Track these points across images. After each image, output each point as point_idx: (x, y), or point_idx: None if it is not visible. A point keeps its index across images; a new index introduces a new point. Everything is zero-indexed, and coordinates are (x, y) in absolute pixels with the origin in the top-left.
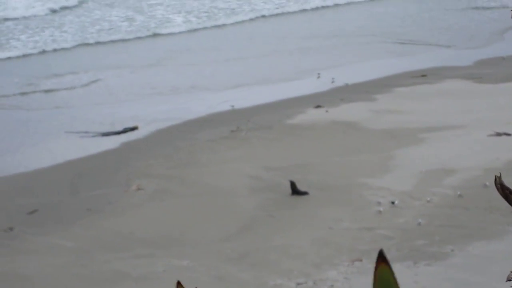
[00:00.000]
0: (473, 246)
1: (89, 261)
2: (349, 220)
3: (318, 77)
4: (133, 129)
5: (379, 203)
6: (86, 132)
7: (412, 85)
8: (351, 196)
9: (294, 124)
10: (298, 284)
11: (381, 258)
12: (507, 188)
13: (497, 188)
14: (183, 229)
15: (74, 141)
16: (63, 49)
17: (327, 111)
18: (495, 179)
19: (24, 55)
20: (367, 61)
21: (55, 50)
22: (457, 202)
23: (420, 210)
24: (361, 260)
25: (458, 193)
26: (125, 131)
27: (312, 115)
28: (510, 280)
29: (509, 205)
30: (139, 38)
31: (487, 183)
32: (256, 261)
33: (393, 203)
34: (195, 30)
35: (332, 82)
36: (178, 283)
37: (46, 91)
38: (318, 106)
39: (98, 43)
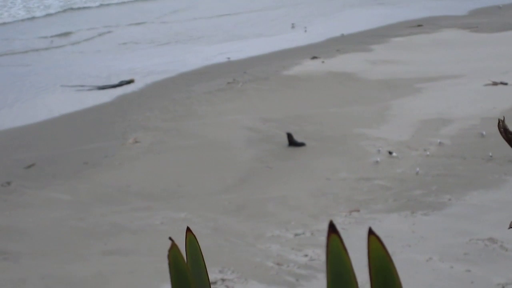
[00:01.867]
0: (470, 195)
1: (86, 214)
2: (346, 171)
3: (305, 31)
4: (129, 82)
5: (376, 154)
6: (82, 86)
7: (408, 35)
8: (348, 146)
9: (290, 75)
10: (295, 235)
11: (332, 229)
12: (511, 132)
13: (500, 132)
14: (180, 181)
15: (70, 95)
16: (48, 14)
17: (323, 62)
18: (499, 123)
19: (15, 21)
20: (364, 10)
21: (45, 15)
22: (454, 152)
23: (417, 160)
24: (358, 211)
25: (455, 142)
26: (121, 84)
27: (308, 66)
28: (511, 228)
29: (506, 154)
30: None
31: (484, 132)
32: (253, 212)
33: (390, 153)
34: None
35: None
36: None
37: (37, 50)
38: (315, 57)
39: (84, 8)
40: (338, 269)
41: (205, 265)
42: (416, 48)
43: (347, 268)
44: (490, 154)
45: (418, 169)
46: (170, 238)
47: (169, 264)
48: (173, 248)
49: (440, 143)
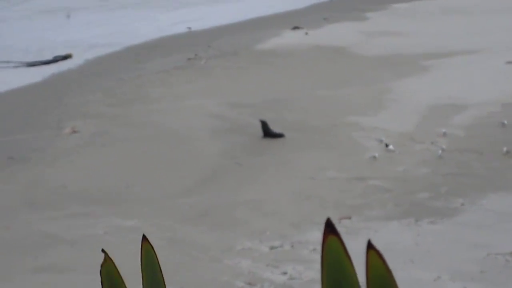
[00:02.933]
0: (488, 199)
1: (11, 222)
2: (335, 169)
3: None
4: (66, 57)
5: (372, 147)
6: (7, 62)
7: (413, 0)
8: (338, 138)
9: (265, 49)
10: (271, 248)
11: (329, 228)
12: None
13: None
14: (128, 181)
15: None
16: None
17: (307, 33)
18: None
19: None
20: None
21: None
22: (468, 145)
23: (423, 156)
24: (350, 218)
25: (469, 134)
26: (55, 60)
27: (288, 38)
28: None
29: None
30: None
31: (505, 121)
32: (220, 220)
33: (389, 146)
34: None
35: None
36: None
37: None
38: (296, 28)
39: None
40: (338, 278)
41: (164, 283)
42: (423, 17)
43: (351, 278)
44: None
45: (423, 167)
46: (103, 251)
47: (102, 282)
48: (107, 263)
49: (451, 134)
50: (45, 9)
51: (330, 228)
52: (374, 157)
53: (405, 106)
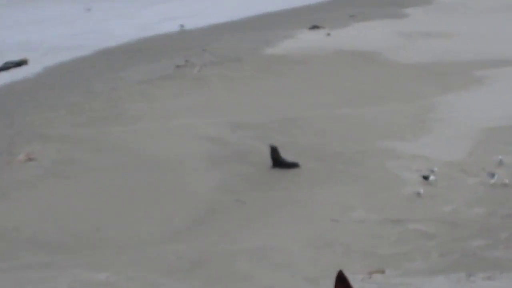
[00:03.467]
0: None
1: None
2: (364, 208)
3: None
4: (20, 64)
5: (411, 181)
6: None
7: None
8: (367, 169)
9: (276, 55)
10: None
11: (340, 281)
12: None
13: None
14: (100, 222)
15: None
16: None
17: (328, 34)
18: None
19: None
20: None
21: None
22: None
23: (477, 192)
24: (383, 272)
25: None
26: (7, 67)
27: (305, 41)
28: None
29: None
30: None
31: None
32: (216, 273)
33: (430, 179)
34: None
35: None
36: None
37: None
38: (315, 27)
39: None
40: None
41: None
42: (476, 14)
43: None
44: None
45: (476, 207)
46: None
47: None
48: None
49: (511, 164)
50: None
51: (343, 284)
52: (418, 193)
53: (454, 128)
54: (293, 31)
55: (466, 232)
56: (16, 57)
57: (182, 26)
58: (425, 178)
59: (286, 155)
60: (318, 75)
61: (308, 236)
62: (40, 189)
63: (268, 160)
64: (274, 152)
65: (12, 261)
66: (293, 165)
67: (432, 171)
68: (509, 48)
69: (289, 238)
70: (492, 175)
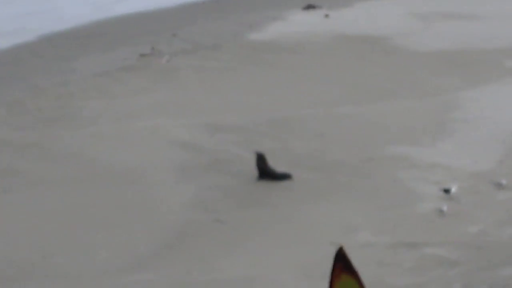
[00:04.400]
0: None
1: None
2: (371, 229)
3: None
4: None
5: (429, 196)
6: None
7: None
8: (375, 181)
9: (262, 41)
10: None
11: (341, 263)
12: None
13: None
14: (47, 248)
15: None
16: None
17: (327, 15)
18: None
19: None
20: None
21: None
22: None
23: (509, 209)
24: None
25: None
26: None
27: (298, 23)
28: None
29: None
30: None
31: None
32: None
33: (451, 192)
34: None
35: None
36: None
37: None
38: (310, 7)
39: None
40: None
41: None
42: None
43: None
44: None
45: (508, 227)
46: None
47: None
48: None
49: None
50: None
51: (342, 263)
52: (440, 211)
53: (481, 130)
54: (284, 11)
55: (496, 259)
56: None
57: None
58: (446, 191)
59: (275, 163)
60: (314, 65)
61: (302, 264)
62: None
63: (253, 171)
64: (261, 160)
65: None
66: (283, 177)
67: (454, 184)
68: None
69: (279, 267)
70: None
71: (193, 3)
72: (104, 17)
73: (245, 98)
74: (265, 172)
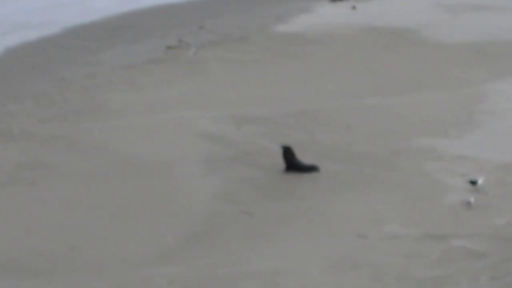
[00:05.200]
0: None
1: None
2: (398, 221)
3: None
4: None
5: (456, 188)
6: None
7: None
8: (402, 173)
9: (289, 33)
10: None
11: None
12: None
13: None
14: (75, 240)
15: None
16: None
17: (354, 7)
18: None
19: None
20: None
21: None
22: None
23: None
24: None
25: None
26: None
27: (325, 15)
28: None
29: None
30: None
31: None
32: None
33: (477, 184)
34: None
35: None
36: None
37: None
38: None
39: None
40: None
41: None
42: None
43: None
44: None
45: None
46: None
47: None
48: None
49: None
50: None
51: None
52: (468, 203)
53: (508, 122)
54: (311, 3)
55: None
56: None
57: None
58: (473, 183)
59: (303, 155)
60: (341, 57)
61: (328, 256)
62: None
63: (280, 163)
64: (288, 152)
65: None
66: (311, 169)
67: (481, 176)
68: None
69: (306, 259)
70: None
71: None
72: (131, 9)
73: (272, 90)
74: (292, 164)
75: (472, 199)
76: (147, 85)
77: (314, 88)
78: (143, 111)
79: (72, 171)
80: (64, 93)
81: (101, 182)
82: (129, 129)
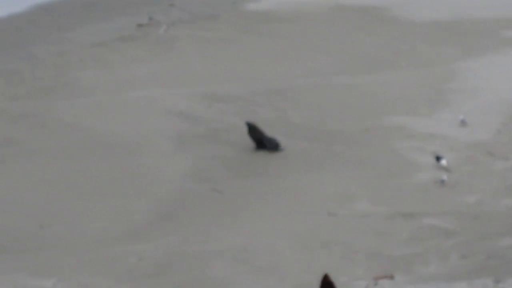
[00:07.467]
0: None
1: None
2: (369, 199)
3: None
4: None
5: (427, 166)
6: None
7: None
8: (372, 151)
9: (260, 11)
10: None
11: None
12: None
13: None
14: (44, 218)
15: None
16: None
17: None
18: None
19: None
20: None
21: None
22: None
23: (506, 179)
24: (391, 277)
25: None
26: None
27: None
28: None
29: None
30: None
31: None
32: (186, 279)
33: (442, 161)
34: None
35: None
36: None
37: None
38: None
39: None
40: None
41: None
42: None
43: None
44: None
45: (507, 198)
46: None
47: None
48: None
49: None
50: None
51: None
52: (442, 181)
53: (479, 100)
54: None
55: (493, 229)
56: None
57: None
58: (438, 159)
59: (272, 133)
60: (311, 36)
61: (299, 233)
62: None
63: (250, 141)
64: (254, 131)
65: None
66: (278, 147)
67: (450, 154)
68: None
69: (276, 236)
70: None
71: None
72: None
73: (243, 68)
74: (261, 142)
75: (445, 177)
76: (118, 63)
77: (285, 66)
78: (113, 89)
79: (42, 149)
80: (34, 71)
81: (71, 160)
82: (99, 106)
